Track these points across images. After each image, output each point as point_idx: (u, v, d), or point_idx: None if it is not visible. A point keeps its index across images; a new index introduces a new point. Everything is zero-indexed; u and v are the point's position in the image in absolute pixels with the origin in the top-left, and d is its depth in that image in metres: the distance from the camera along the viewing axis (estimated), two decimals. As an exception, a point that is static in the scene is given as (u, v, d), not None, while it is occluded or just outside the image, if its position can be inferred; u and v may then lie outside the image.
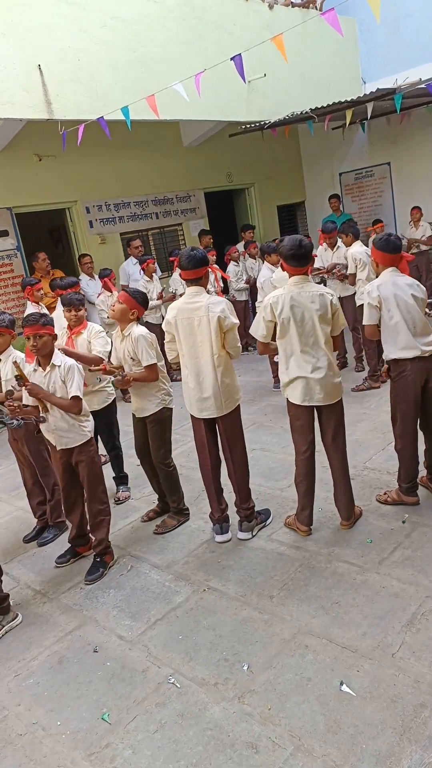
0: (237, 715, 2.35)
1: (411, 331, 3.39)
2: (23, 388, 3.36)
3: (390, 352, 3.47)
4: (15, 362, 3.50)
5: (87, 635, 3.03)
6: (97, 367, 3.83)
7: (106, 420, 4.39)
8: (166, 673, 2.65)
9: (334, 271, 6.35)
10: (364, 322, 3.55)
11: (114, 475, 4.60)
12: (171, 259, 7.61)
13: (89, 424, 3.56)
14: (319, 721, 2.26)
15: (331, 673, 2.48)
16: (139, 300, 3.76)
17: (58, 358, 3.45)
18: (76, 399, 3.39)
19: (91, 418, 3.62)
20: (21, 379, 3.32)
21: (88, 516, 3.68)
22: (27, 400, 3.52)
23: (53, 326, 3.47)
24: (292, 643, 2.69)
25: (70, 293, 4.35)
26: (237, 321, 3.39)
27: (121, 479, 4.59)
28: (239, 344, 3.47)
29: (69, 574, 3.64)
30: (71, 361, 3.47)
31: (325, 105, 7.39)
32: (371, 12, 4.57)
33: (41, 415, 3.44)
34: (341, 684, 2.41)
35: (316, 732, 2.21)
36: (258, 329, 3.40)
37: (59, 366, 3.41)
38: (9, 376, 3.86)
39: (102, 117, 6.01)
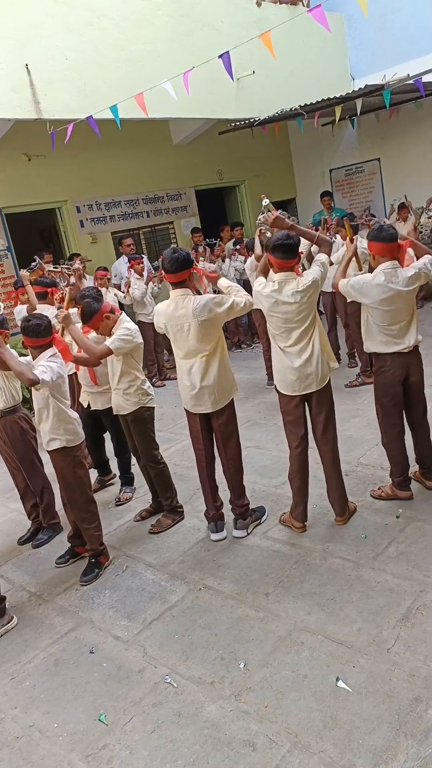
0: (234, 714, 2.36)
1: (392, 326, 3.37)
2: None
3: (370, 346, 3.49)
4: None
5: (83, 636, 3.02)
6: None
7: (110, 419, 4.36)
8: (162, 673, 2.65)
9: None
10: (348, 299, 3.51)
11: (119, 475, 4.59)
12: (160, 257, 7.58)
13: (67, 433, 3.43)
14: (316, 717, 2.27)
15: (327, 669, 2.49)
16: (93, 308, 3.62)
17: (40, 361, 3.41)
18: (27, 367, 3.28)
19: (73, 425, 3.48)
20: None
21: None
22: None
23: (5, 327, 3.66)
24: (288, 640, 2.69)
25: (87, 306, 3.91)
26: (228, 302, 3.32)
27: (127, 480, 4.56)
28: (242, 302, 3.35)
29: (64, 575, 3.64)
30: (46, 358, 3.40)
31: (314, 102, 7.38)
32: (359, 8, 4.58)
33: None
34: (337, 680, 2.41)
35: (313, 728, 2.22)
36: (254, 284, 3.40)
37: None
38: None
39: (91, 116, 5.98)
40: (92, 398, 4.29)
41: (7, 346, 3.49)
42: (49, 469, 3.99)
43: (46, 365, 3.31)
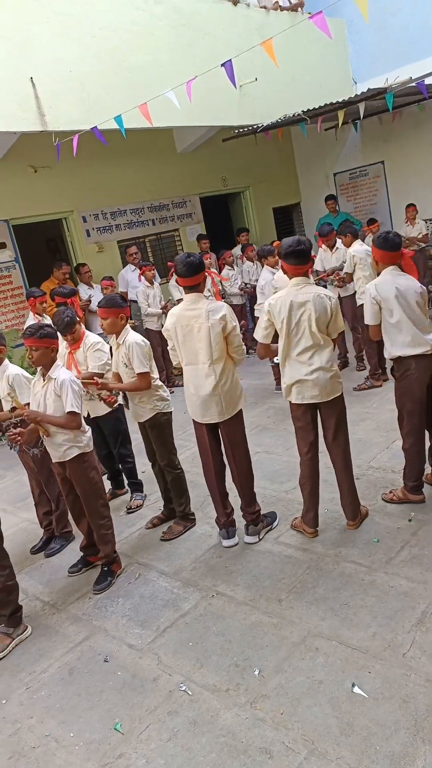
0: (249, 721, 2.35)
1: (414, 328, 3.38)
2: (20, 415, 3.34)
3: (393, 350, 3.47)
4: (11, 394, 3.45)
5: (97, 645, 3.02)
6: (89, 381, 3.75)
7: (111, 426, 4.38)
8: (177, 681, 2.65)
9: (332, 276, 6.33)
10: (367, 322, 3.55)
11: (127, 482, 4.60)
12: (169, 264, 7.62)
13: (85, 438, 3.48)
14: (332, 723, 2.25)
15: (342, 675, 2.47)
16: (117, 302, 3.75)
17: (56, 371, 3.41)
18: (72, 414, 3.33)
19: (88, 431, 3.54)
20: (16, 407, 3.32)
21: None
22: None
23: (54, 338, 3.43)
24: (302, 646, 2.68)
25: (58, 318, 4.09)
26: (237, 324, 3.41)
27: (135, 486, 4.56)
28: (243, 347, 3.48)
29: (77, 584, 3.64)
30: (66, 375, 3.40)
31: (316, 107, 7.40)
32: (359, 12, 4.60)
33: (41, 439, 3.46)
34: (353, 686, 2.40)
35: (330, 735, 2.21)
36: (258, 331, 3.42)
37: (54, 379, 3.38)
38: (4, 393, 3.86)
39: (95, 127, 6.03)
40: (92, 406, 4.27)
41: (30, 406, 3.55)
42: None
43: (70, 395, 3.32)
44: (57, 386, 3.36)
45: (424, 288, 3.50)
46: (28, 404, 3.58)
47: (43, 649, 3.09)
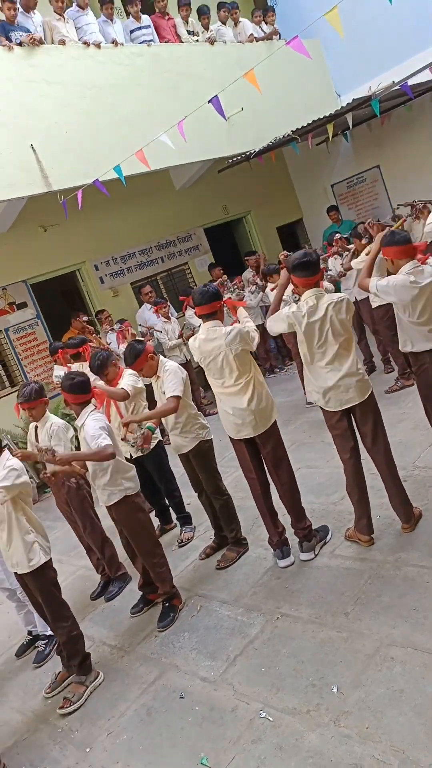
0: (335, 739, 2.31)
1: (427, 323, 3.37)
2: (58, 463, 3.40)
3: (407, 346, 3.48)
4: (39, 449, 3.52)
5: (170, 682, 3.02)
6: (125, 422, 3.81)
7: (154, 463, 4.42)
8: (255, 708, 2.62)
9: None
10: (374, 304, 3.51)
11: (176, 516, 4.62)
12: (181, 298, 7.76)
13: (127, 482, 3.52)
14: (420, 731, 2.20)
15: (423, 681, 2.42)
16: (138, 349, 3.78)
17: (82, 417, 3.48)
18: (100, 448, 3.32)
19: (131, 473, 3.57)
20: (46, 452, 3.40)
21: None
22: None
23: (43, 395, 3.76)
24: (376, 657, 2.64)
25: (92, 360, 4.28)
26: (255, 338, 3.45)
27: (184, 519, 4.59)
28: (253, 334, 3.45)
29: (141, 624, 3.66)
30: (89, 420, 3.44)
31: (305, 124, 7.57)
32: (333, 28, 4.74)
33: (79, 473, 3.54)
34: (435, 691, 2.35)
35: (419, 742, 2.16)
36: (279, 325, 3.40)
37: (81, 426, 3.47)
38: (46, 443, 3.96)
39: (97, 179, 6.28)
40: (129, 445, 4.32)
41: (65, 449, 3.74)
42: (106, 523, 4.07)
43: (98, 433, 3.36)
44: (86, 432, 3.44)
45: None
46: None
47: (118, 693, 3.10)
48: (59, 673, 3.40)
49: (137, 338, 4.26)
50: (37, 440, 4.00)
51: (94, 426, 3.40)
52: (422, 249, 3.49)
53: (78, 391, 3.51)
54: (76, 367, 5.53)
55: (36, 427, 4.01)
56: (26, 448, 4.04)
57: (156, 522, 4.72)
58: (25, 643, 3.93)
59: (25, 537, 3.17)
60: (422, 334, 3.41)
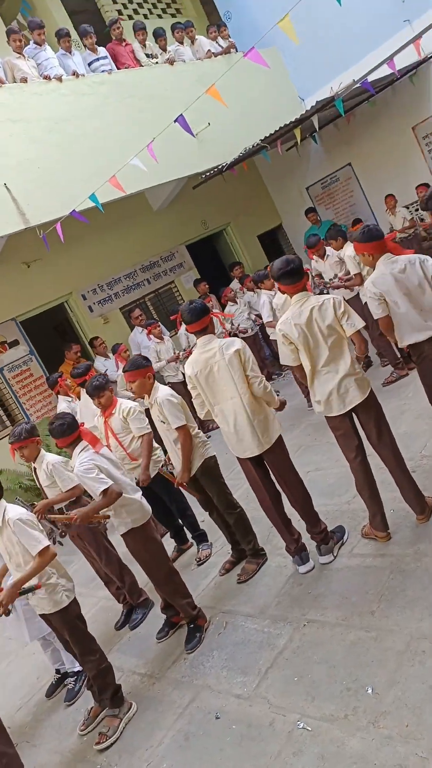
0: (377, 741, 2.28)
1: (419, 314, 3.38)
2: (76, 523, 3.38)
3: (405, 339, 3.47)
4: (51, 514, 3.51)
5: (205, 704, 2.98)
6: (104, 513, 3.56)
7: (162, 485, 4.41)
8: (293, 720, 2.59)
9: (337, 281, 6.37)
10: (376, 317, 3.56)
11: (191, 535, 4.59)
12: (172, 317, 7.79)
13: (130, 515, 3.47)
14: (461, 724, 2.17)
15: (457, 672, 2.39)
16: (141, 363, 3.83)
17: (75, 458, 3.44)
18: (104, 492, 3.29)
19: (135, 505, 3.50)
20: (59, 522, 3.36)
21: None
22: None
23: (66, 434, 3.47)
24: (407, 652, 2.61)
25: (89, 382, 4.37)
26: (253, 358, 3.46)
27: (200, 537, 4.55)
28: (265, 384, 3.46)
29: (169, 648, 3.62)
30: (77, 464, 3.38)
31: (272, 132, 7.65)
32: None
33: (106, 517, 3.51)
34: (471, 680, 2.32)
35: (462, 736, 2.13)
36: (285, 358, 3.42)
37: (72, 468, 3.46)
38: (47, 483, 3.95)
39: (74, 210, 6.33)
40: (135, 472, 4.27)
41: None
42: (122, 549, 4.03)
43: (88, 479, 3.30)
44: (80, 478, 3.41)
45: (427, 258, 3.48)
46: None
47: (153, 722, 3.06)
48: (91, 708, 3.35)
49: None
50: (38, 482, 3.98)
51: (86, 471, 3.32)
52: (392, 238, 3.53)
53: (65, 433, 3.47)
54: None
55: (35, 469, 3.97)
56: (35, 484, 4.03)
57: (172, 543, 4.69)
58: (54, 683, 3.88)
59: (48, 580, 3.15)
60: (417, 323, 3.40)
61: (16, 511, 3.06)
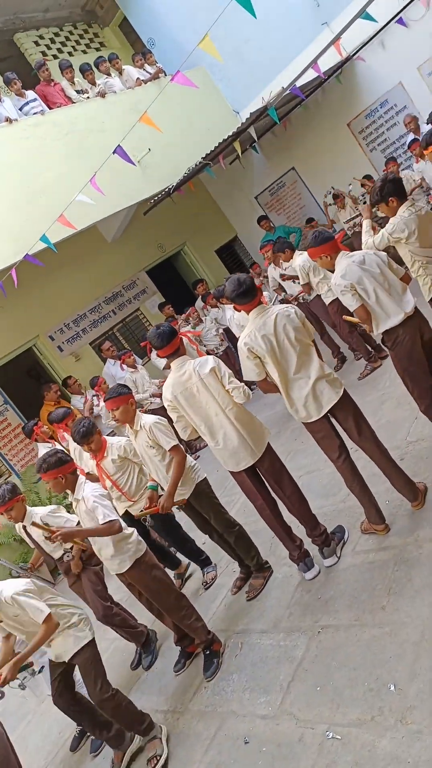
0: (407, 738, 2.24)
1: (390, 299, 3.41)
2: (57, 540, 3.29)
3: (381, 325, 3.46)
4: (34, 522, 3.43)
5: (232, 730, 2.92)
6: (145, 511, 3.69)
7: (159, 517, 4.33)
8: (321, 731, 2.54)
9: (297, 296, 6.44)
10: (352, 309, 3.47)
11: (196, 561, 4.51)
12: (142, 344, 7.77)
13: (132, 545, 3.45)
14: None
15: None
16: (122, 390, 3.79)
17: (80, 490, 3.39)
18: (109, 523, 3.26)
19: (133, 536, 3.49)
20: (49, 534, 3.30)
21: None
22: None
23: (61, 464, 3.36)
24: (423, 642, 2.59)
25: (73, 432, 4.03)
26: (229, 371, 3.45)
27: (203, 562, 4.48)
28: (242, 388, 3.44)
29: (188, 679, 3.54)
30: (89, 491, 3.35)
31: (212, 148, 7.75)
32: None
33: (81, 550, 3.45)
34: None
35: None
36: (249, 373, 3.39)
37: (81, 500, 3.37)
38: (41, 539, 3.86)
39: (27, 254, 6.30)
40: (132, 510, 4.22)
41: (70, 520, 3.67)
42: (118, 595, 3.94)
43: (101, 506, 3.27)
44: (86, 506, 3.34)
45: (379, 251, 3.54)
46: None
47: (183, 759, 2.98)
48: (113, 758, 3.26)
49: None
50: (30, 538, 3.90)
51: (96, 499, 3.30)
52: (341, 238, 3.57)
53: (58, 466, 3.39)
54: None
55: (24, 527, 3.88)
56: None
57: (170, 573, 4.62)
58: (77, 735, 3.78)
59: (67, 632, 3.10)
60: (390, 307, 3.40)
61: (9, 588, 2.94)
